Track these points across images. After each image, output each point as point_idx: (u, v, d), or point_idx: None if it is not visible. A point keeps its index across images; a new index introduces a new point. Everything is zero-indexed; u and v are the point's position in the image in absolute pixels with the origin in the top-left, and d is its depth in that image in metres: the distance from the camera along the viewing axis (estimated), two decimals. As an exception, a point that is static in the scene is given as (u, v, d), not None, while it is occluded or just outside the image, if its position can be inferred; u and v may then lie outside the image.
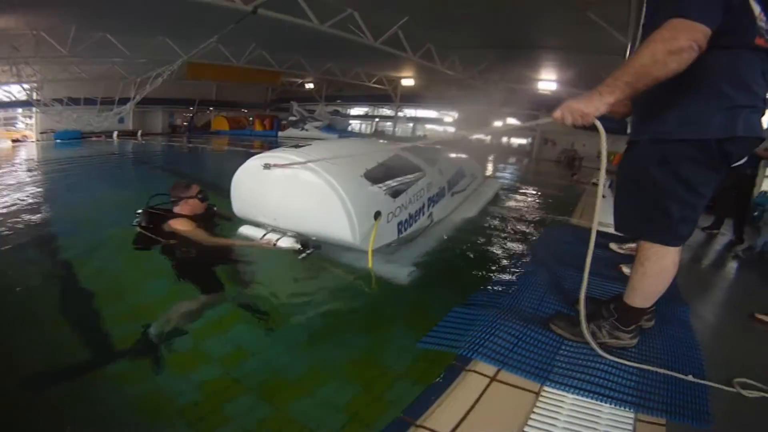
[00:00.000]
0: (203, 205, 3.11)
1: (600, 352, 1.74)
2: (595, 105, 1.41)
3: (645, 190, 1.61)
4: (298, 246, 2.80)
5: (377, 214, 2.80)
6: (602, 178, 1.56)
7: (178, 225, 2.88)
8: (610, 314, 1.83)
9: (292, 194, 2.80)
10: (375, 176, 3.00)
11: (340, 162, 2.78)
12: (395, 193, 3.16)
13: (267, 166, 2.79)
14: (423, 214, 3.45)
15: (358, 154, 3.07)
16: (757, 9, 1.36)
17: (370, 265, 2.71)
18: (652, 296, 1.73)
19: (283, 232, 2.89)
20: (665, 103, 1.50)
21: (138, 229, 2.90)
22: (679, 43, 1.26)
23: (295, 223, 2.89)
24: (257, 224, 3.06)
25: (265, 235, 2.91)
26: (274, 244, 2.83)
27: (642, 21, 1.63)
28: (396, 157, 3.46)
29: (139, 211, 2.98)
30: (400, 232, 3.14)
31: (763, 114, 1.50)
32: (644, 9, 1.60)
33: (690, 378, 1.68)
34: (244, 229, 3.03)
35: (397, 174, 3.36)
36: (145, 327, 2.08)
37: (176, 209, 3.03)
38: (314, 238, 2.88)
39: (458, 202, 4.38)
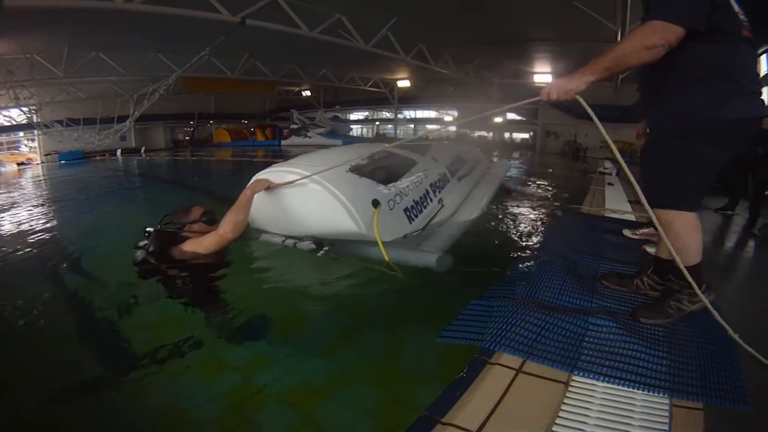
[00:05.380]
0: (213, 228, 2.82)
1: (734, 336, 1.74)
2: (576, 83, 1.65)
3: (667, 164, 1.79)
4: (313, 246, 2.90)
5: (375, 202, 2.86)
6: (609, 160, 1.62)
7: (189, 247, 2.71)
8: (680, 286, 1.89)
9: (293, 205, 2.93)
10: (362, 170, 3.15)
11: (323, 164, 2.88)
12: (386, 181, 3.25)
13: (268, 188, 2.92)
14: (430, 200, 3.53)
15: (342, 157, 3.19)
16: (735, 6, 1.62)
17: (385, 256, 2.67)
18: (696, 249, 1.82)
19: (299, 239, 3.00)
20: (683, 88, 1.70)
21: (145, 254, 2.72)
22: (653, 41, 1.55)
23: (306, 230, 2.99)
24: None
25: (283, 242, 3.02)
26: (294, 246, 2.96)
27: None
28: (382, 153, 3.72)
29: (149, 229, 2.83)
30: (410, 219, 3.19)
31: (760, 96, 1.72)
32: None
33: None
34: (266, 237, 3.16)
35: (386, 165, 3.55)
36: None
37: (184, 235, 2.82)
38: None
39: (470, 187, 4.48)
